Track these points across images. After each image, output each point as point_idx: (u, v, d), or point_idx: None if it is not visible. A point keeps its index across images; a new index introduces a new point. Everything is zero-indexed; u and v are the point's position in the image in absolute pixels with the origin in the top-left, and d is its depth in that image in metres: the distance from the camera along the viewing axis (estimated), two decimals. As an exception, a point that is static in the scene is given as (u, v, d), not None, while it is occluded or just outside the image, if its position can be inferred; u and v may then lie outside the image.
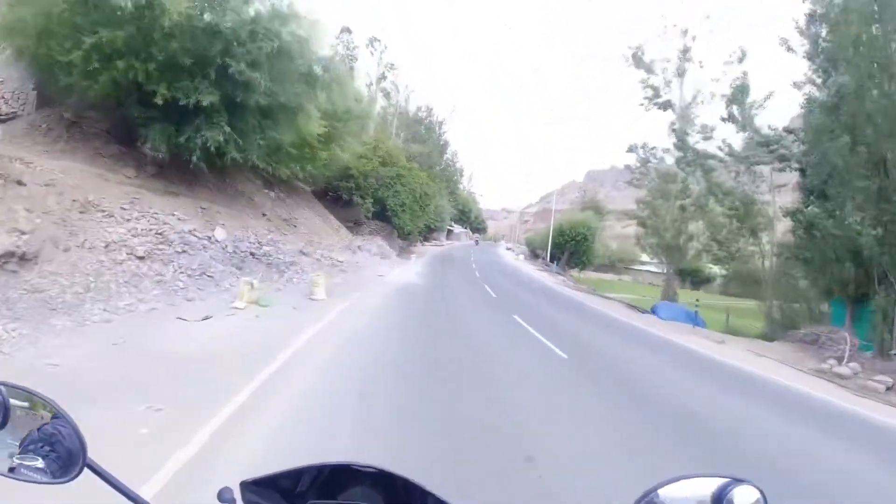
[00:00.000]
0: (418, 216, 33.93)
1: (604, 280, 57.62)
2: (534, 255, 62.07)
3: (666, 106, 26.02)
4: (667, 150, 24.98)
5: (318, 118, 22.05)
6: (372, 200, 30.64)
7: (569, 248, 57.08)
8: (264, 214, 20.62)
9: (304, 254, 18.62)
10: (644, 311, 22.24)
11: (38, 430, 0.78)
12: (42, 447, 0.77)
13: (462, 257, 42.46)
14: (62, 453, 0.76)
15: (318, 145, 23.25)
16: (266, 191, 23.39)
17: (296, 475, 0.90)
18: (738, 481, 0.73)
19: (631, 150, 25.49)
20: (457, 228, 75.97)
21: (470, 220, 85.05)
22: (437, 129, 58.64)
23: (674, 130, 22.48)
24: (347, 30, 43.38)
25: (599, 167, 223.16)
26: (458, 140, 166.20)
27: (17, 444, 0.77)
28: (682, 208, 21.96)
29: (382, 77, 45.60)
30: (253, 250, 15.61)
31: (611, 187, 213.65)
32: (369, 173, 30.46)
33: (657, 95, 25.91)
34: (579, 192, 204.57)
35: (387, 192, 31.15)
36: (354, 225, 32.32)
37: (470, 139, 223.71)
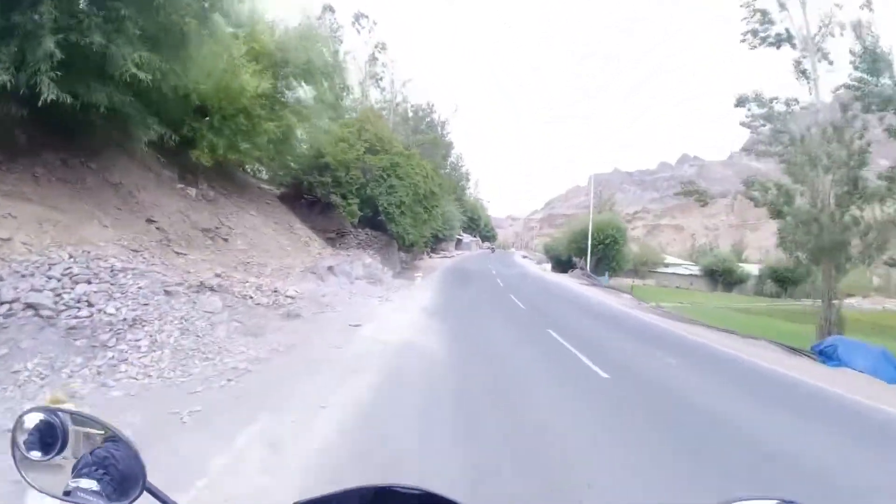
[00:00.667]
0: (423, 221, 24.61)
1: (637, 286, 48.98)
2: (558, 262, 52.69)
3: (782, 40, 17.01)
4: (793, 103, 15.86)
5: (252, 63, 13.06)
6: (358, 201, 21.50)
7: (597, 253, 47.64)
8: (152, 221, 11.38)
9: (212, 289, 9.41)
10: (804, 353, 12.94)
11: (91, 453, 0.75)
12: (96, 470, 0.74)
13: (481, 271, 33.14)
14: (116, 476, 0.73)
15: (261, 112, 14.17)
16: (181, 186, 14.24)
17: (343, 497, 0.88)
18: (788, 503, 0.70)
19: (742, 103, 16.34)
20: (466, 237, 67.03)
21: (479, 227, 76.16)
22: (439, 128, 49.69)
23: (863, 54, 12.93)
24: (330, 8, 34.38)
25: (603, 170, 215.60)
26: (461, 143, 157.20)
27: (72, 467, 0.75)
28: (855, 185, 12.72)
29: (372, 59, 36.37)
30: (40, 301, 6.36)
31: (616, 189, 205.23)
32: (352, 164, 21.40)
33: (768, 23, 16.95)
34: (586, 195, 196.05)
35: (378, 188, 21.96)
36: (338, 236, 23.17)
37: (471, 143, 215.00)
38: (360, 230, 23.64)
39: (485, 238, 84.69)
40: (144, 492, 0.73)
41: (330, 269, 14.22)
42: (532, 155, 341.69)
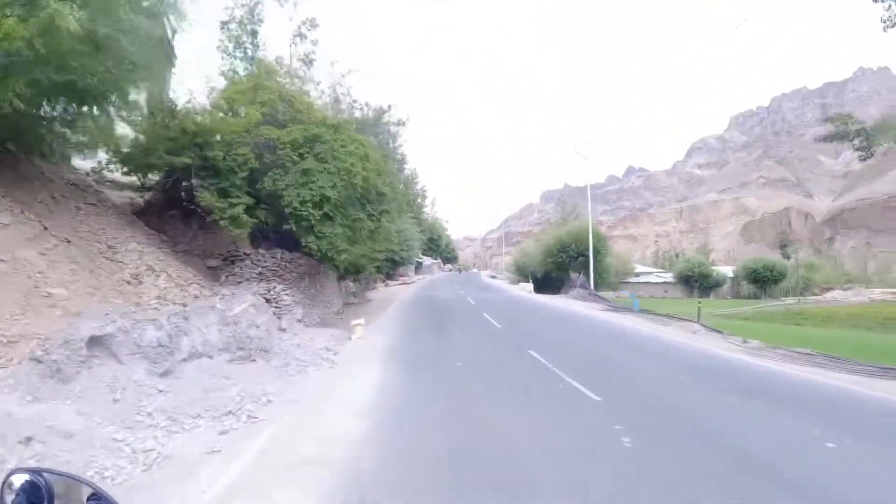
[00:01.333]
0: (366, 233, 15.18)
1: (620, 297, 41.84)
2: (539, 281, 44.27)
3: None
4: None
5: None
6: (250, 201, 12.19)
7: (576, 266, 39.52)
8: None
9: None
10: None
11: None
12: None
13: (454, 299, 24.41)
14: None
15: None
16: None
17: None
18: None
19: None
20: (426, 260, 58.14)
21: (440, 248, 67.44)
22: (390, 139, 40.81)
23: None
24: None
25: (553, 187, 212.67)
26: (415, 159, 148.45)
27: None
28: None
29: (299, 36, 26.61)
30: None
31: (559, 208, 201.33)
32: (235, 139, 12.15)
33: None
34: (539, 212, 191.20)
35: (283, 177, 12.66)
36: (225, 263, 13.60)
37: (423, 162, 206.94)
38: (264, 252, 14.14)
39: (446, 260, 76.14)
40: None
41: (102, 343, 4.74)
42: (485, 174, 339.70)
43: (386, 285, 31.64)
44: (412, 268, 48.21)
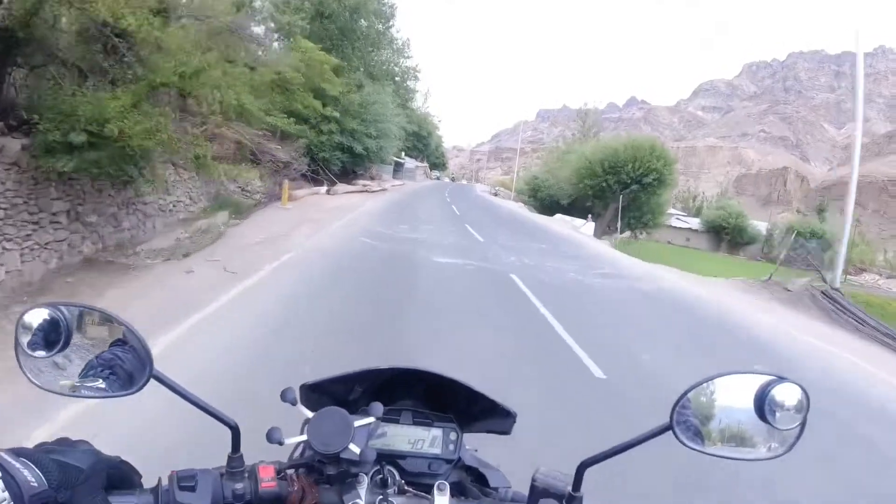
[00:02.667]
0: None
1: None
2: (553, 210, 29.92)
3: None
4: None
5: None
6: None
7: (624, 196, 24.81)
8: None
9: None
10: None
11: (97, 357, 0.68)
12: (102, 371, 0.68)
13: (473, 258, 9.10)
14: (122, 376, 0.68)
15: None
16: None
17: (351, 379, 0.82)
18: (781, 379, 0.60)
19: None
20: (409, 162, 42.12)
21: (429, 150, 50.60)
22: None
23: None
24: None
25: (551, 106, 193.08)
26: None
27: (81, 367, 0.67)
28: None
29: None
30: None
31: (563, 126, 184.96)
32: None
33: None
34: (534, 129, 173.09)
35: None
36: None
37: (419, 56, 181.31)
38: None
39: (434, 165, 59.25)
40: (151, 379, 0.66)
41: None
42: (481, 84, 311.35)
43: (329, 193, 16.26)
44: (389, 169, 32.37)
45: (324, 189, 16.70)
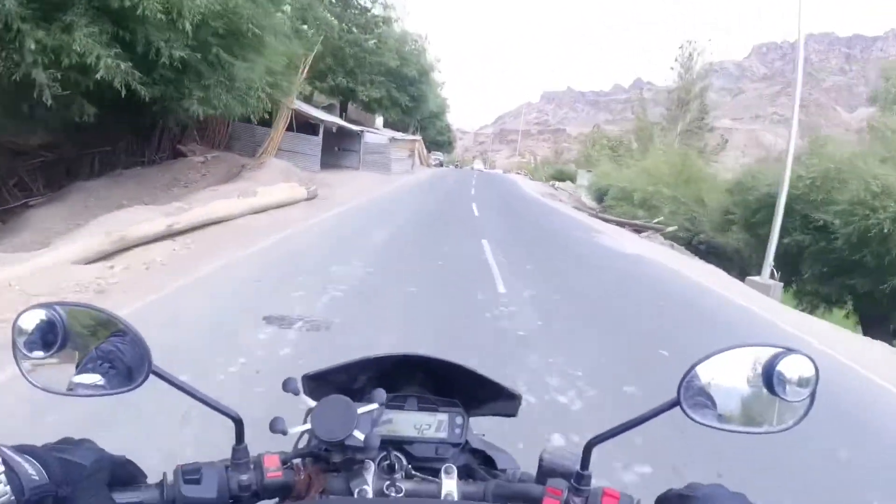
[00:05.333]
0: None
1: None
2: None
3: None
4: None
5: None
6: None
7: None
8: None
9: None
10: None
11: (96, 349, 0.68)
12: (100, 365, 0.68)
13: None
14: (121, 369, 0.67)
15: None
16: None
17: (356, 367, 0.83)
18: (790, 351, 0.60)
19: None
20: (396, 135, 26.45)
21: (437, 128, 44.03)
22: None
23: None
24: None
25: (556, 88, 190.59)
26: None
27: (76, 364, 0.67)
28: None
29: None
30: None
31: (569, 108, 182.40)
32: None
33: None
34: (539, 111, 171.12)
35: None
36: None
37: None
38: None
39: (437, 145, 48.01)
40: (151, 374, 0.65)
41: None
42: (484, 66, 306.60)
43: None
44: (314, 143, 17.93)
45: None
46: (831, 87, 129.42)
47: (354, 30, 24.15)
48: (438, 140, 47.55)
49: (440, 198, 16.81)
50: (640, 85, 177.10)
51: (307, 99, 20.54)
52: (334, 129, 19.26)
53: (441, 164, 44.22)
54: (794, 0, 11.57)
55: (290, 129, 16.45)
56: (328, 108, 23.56)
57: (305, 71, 15.86)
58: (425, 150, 38.45)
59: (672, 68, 38.86)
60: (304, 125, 17.34)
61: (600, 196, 27.68)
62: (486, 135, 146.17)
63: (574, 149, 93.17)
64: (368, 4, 25.01)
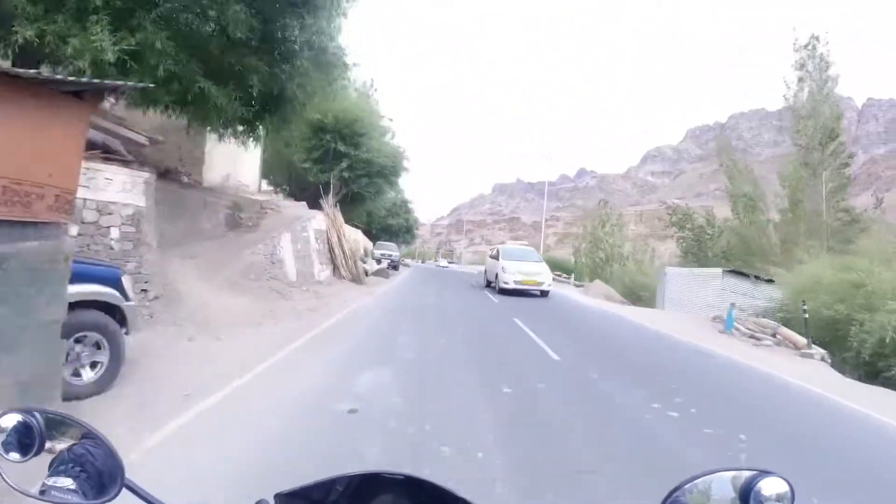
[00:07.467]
0: None
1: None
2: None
3: None
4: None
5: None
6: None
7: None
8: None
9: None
10: None
11: (68, 450, 0.71)
12: (72, 468, 0.69)
13: None
14: (93, 473, 0.69)
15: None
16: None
17: (327, 486, 0.82)
18: (765, 473, 0.64)
19: None
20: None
21: (398, 219, 39.18)
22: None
23: None
24: None
25: (506, 180, 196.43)
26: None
27: (48, 464, 0.71)
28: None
29: None
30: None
31: (520, 199, 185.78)
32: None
33: None
34: (491, 203, 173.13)
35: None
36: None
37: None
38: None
39: (391, 234, 38.63)
40: (124, 489, 0.67)
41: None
42: (436, 159, 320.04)
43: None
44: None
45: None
46: (767, 159, 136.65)
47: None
48: (390, 224, 37.53)
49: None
50: (585, 173, 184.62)
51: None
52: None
53: (393, 265, 25.71)
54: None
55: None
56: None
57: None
58: (361, 238, 23.44)
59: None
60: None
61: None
62: (442, 226, 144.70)
63: (527, 237, 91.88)
64: None
